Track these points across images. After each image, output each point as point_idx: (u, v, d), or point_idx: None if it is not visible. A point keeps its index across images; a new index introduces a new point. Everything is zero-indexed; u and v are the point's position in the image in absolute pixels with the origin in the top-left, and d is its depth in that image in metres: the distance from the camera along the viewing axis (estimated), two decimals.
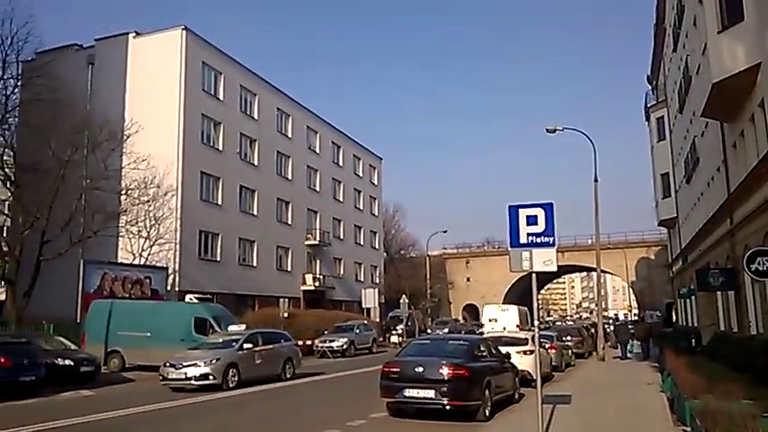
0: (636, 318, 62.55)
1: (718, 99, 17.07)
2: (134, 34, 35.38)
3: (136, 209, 30.36)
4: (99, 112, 30.44)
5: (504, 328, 26.01)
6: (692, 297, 31.08)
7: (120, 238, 30.93)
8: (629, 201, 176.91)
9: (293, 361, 19.56)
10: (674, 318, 47.20)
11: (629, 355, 27.78)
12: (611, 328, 45.15)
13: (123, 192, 30.39)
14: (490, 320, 29.98)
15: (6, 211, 32.21)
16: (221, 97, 37.22)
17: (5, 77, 28.86)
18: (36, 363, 15.71)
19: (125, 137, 30.37)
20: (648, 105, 41.86)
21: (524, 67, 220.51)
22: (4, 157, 30.00)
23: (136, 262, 30.36)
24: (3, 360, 14.76)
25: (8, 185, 29.88)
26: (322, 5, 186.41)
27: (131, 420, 11.80)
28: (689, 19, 23.53)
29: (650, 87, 44.24)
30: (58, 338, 19.48)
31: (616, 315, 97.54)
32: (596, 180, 27.69)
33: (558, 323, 73.24)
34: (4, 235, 34.22)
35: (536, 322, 10.04)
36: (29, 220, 27.39)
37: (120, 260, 30.60)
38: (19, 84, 30.15)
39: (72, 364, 17.41)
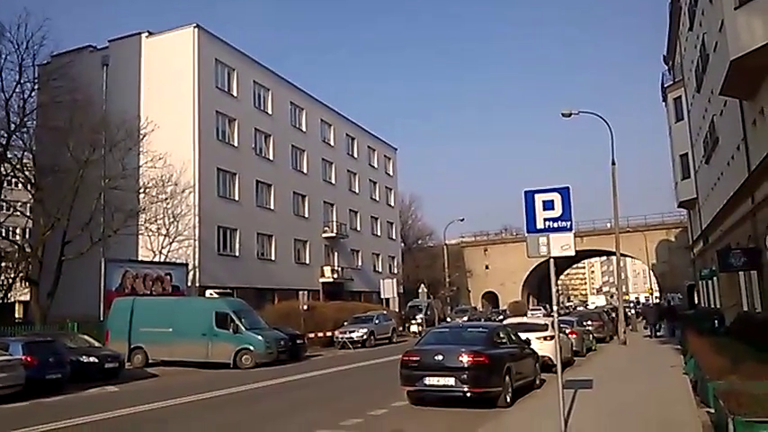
0: (657, 300, 62.06)
1: (737, 76, 16.77)
2: (146, 34, 35.58)
3: (154, 207, 30.68)
4: (115, 112, 30.73)
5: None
6: (714, 278, 30.74)
7: (140, 236, 31.32)
8: (648, 183, 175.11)
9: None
10: (696, 300, 46.74)
11: (657, 334, 30.26)
12: (633, 311, 45.08)
13: (141, 190, 30.74)
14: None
15: (28, 214, 32.75)
16: (235, 93, 37.37)
17: (22, 81, 29.26)
18: (62, 361, 15.98)
19: (141, 136, 30.69)
20: (665, 86, 41.30)
21: (537, 50, 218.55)
22: (24, 161, 30.46)
23: (156, 259, 30.71)
24: (29, 359, 15.02)
25: (29, 188, 30.35)
26: None
27: (157, 414, 11.96)
28: None
29: (667, 67, 43.61)
30: (82, 336, 19.75)
31: (637, 298, 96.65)
32: (614, 163, 27.41)
33: (578, 308, 72.88)
34: (27, 237, 34.83)
35: (555, 308, 9.95)
36: (50, 221, 27.79)
37: (140, 258, 30.98)
38: (36, 87, 30.53)
39: (96, 361, 17.63)
